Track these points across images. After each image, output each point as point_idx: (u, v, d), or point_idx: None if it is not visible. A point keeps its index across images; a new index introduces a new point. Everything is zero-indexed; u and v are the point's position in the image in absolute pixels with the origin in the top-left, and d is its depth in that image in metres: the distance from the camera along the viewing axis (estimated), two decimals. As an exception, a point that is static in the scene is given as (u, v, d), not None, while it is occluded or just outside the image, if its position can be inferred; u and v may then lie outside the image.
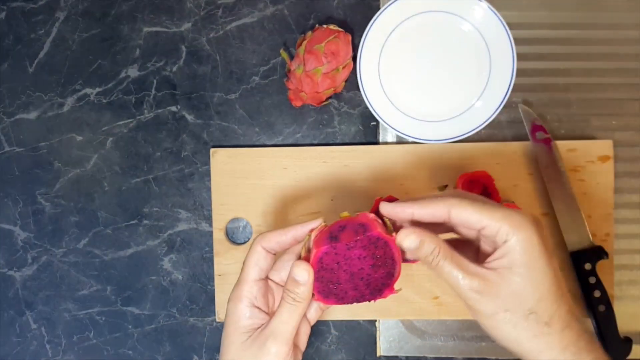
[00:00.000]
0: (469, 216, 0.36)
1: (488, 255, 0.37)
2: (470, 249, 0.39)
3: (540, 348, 0.35)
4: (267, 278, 0.42)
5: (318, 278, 0.38)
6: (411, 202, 0.38)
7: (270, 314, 0.40)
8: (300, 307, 0.37)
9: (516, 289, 0.34)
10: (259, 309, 0.40)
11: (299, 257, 0.39)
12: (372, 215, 0.39)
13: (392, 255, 0.38)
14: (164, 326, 0.60)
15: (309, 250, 0.40)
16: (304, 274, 0.37)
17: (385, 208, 0.38)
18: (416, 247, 0.36)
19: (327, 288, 0.39)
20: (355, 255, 0.38)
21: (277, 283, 0.42)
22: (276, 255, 0.42)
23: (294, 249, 0.42)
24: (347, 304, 0.40)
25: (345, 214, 0.41)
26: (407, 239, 0.36)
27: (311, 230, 0.40)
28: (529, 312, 0.34)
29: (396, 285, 0.40)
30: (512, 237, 0.34)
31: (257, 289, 0.40)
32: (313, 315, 0.43)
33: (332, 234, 0.38)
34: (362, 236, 0.37)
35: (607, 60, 0.59)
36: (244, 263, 0.41)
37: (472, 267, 0.36)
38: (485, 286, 0.35)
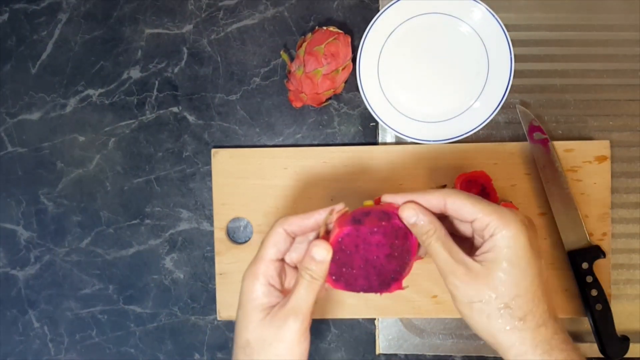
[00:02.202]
0: (462, 206, 0.37)
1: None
2: (466, 245, 0.40)
3: (512, 342, 0.35)
4: (283, 260, 0.42)
5: (333, 259, 0.38)
6: (412, 192, 0.39)
7: (284, 292, 0.41)
8: (317, 285, 0.38)
9: (494, 283, 0.36)
10: (274, 287, 0.40)
11: (318, 236, 0.40)
12: (396, 207, 0.40)
13: (409, 248, 0.39)
14: (166, 325, 0.61)
15: (327, 232, 0.40)
16: (323, 252, 0.38)
17: (388, 197, 0.40)
18: (414, 222, 0.38)
19: (340, 271, 0.39)
20: (375, 242, 0.38)
21: (287, 264, 0.43)
22: (295, 240, 0.42)
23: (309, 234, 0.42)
24: (354, 292, 0.40)
25: (369, 202, 0.41)
26: (406, 210, 0.38)
27: (332, 211, 0.40)
28: (504, 307, 0.35)
29: (404, 282, 0.40)
30: (499, 233, 0.36)
31: (274, 268, 0.40)
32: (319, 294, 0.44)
33: (355, 218, 0.39)
34: (387, 223, 0.38)
35: (604, 62, 0.59)
36: (262, 243, 0.41)
37: (461, 255, 0.37)
38: (467, 275, 0.36)
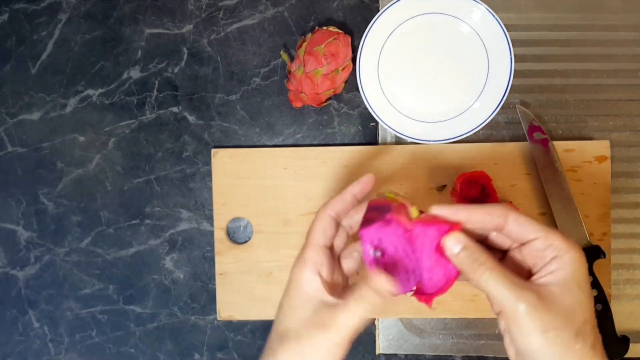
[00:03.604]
0: (526, 223, 0.35)
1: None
2: None
3: None
4: (332, 248, 0.40)
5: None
6: (467, 206, 0.36)
7: (331, 285, 0.38)
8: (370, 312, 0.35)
9: (567, 307, 0.33)
10: (322, 277, 0.37)
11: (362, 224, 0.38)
12: (436, 221, 0.36)
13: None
14: (166, 325, 0.61)
15: (368, 220, 0.38)
16: (383, 283, 0.35)
17: (437, 209, 0.36)
18: (457, 252, 0.35)
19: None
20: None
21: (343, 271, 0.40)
22: (340, 227, 0.40)
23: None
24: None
25: (390, 195, 0.40)
26: (450, 240, 0.35)
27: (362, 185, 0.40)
28: (577, 333, 0.32)
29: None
30: (566, 254, 0.33)
31: (323, 255, 0.38)
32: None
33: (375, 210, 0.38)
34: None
35: (604, 62, 0.59)
36: (309, 231, 0.39)
37: (523, 281, 0.34)
38: (540, 301, 0.32)
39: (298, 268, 0.38)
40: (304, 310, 0.36)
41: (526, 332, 0.32)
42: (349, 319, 0.35)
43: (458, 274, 0.36)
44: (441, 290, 0.36)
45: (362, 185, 0.40)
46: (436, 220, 0.36)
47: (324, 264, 0.38)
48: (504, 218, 0.35)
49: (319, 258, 0.38)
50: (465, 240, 0.35)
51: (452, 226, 0.35)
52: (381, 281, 0.34)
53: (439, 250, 0.36)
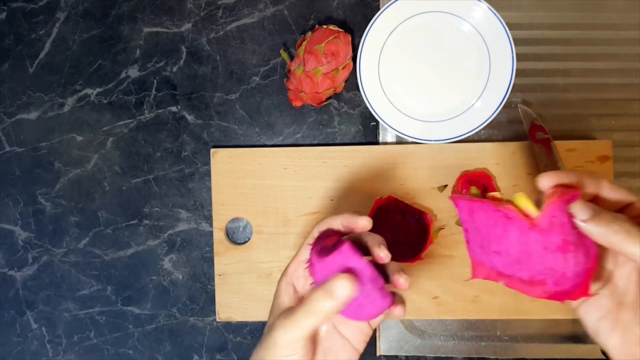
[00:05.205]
0: (618, 188, 0.34)
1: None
2: None
3: None
4: None
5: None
6: (564, 172, 0.35)
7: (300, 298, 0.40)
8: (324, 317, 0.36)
9: None
10: (295, 288, 0.39)
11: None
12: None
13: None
14: (164, 326, 0.60)
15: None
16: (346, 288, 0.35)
17: (549, 178, 0.35)
18: (588, 217, 0.32)
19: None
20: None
21: None
22: None
23: None
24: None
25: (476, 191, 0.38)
26: (577, 206, 0.33)
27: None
28: None
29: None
30: None
31: (302, 269, 0.39)
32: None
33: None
34: None
35: (606, 61, 0.59)
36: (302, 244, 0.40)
37: None
38: None
39: (281, 278, 0.41)
40: (275, 317, 0.39)
41: None
42: (306, 315, 0.35)
43: (596, 247, 0.33)
44: (590, 270, 0.33)
45: (362, 224, 0.38)
46: (557, 199, 0.33)
47: (302, 277, 0.40)
48: (598, 183, 0.34)
49: (298, 272, 0.40)
50: (591, 204, 0.32)
51: (573, 195, 0.33)
52: (339, 285, 0.34)
53: (575, 228, 0.33)
